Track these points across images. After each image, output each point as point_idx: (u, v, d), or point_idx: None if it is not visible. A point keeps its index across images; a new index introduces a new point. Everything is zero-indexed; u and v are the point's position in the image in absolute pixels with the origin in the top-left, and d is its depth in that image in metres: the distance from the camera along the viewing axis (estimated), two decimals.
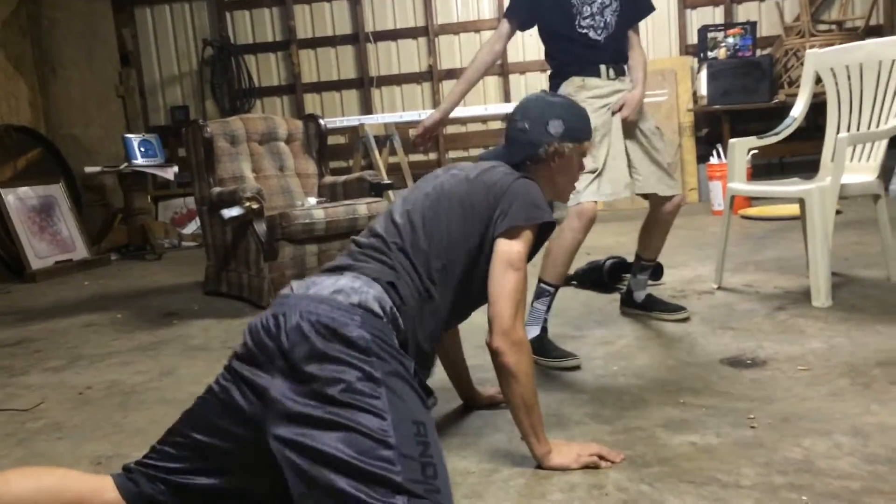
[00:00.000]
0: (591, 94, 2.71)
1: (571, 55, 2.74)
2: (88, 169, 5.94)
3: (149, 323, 3.64)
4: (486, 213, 1.71)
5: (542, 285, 2.65)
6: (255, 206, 3.68)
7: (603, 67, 2.73)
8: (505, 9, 2.85)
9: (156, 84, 7.27)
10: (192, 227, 6.63)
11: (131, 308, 4.02)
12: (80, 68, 6.47)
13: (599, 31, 2.72)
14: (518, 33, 2.85)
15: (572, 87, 2.72)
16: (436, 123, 2.72)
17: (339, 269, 1.62)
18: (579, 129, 1.94)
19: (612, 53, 2.76)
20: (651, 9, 2.90)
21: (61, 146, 6.02)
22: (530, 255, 1.76)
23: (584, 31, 2.71)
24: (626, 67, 2.81)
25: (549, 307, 2.66)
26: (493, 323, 1.65)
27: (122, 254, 6.08)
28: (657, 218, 2.87)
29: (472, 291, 1.74)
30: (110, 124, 6.76)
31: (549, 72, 2.87)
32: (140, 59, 7.23)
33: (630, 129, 2.75)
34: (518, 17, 2.78)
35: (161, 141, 6.13)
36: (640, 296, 3.04)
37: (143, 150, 5.85)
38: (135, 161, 5.82)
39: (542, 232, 1.78)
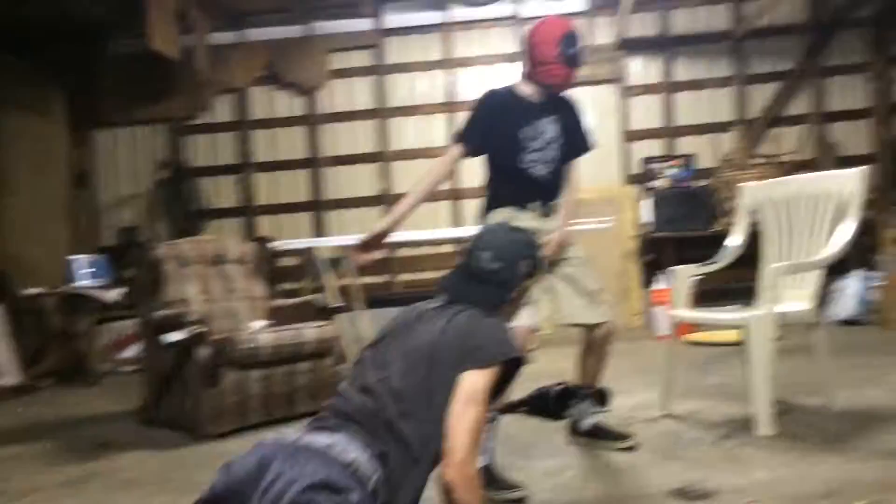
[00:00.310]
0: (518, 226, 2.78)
1: (510, 188, 2.83)
2: (28, 291, 5.80)
3: (79, 454, 3.47)
4: (460, 362, 1.72)
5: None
6: (198, 330, 3.62)
7: (532, 206, 2.82)
8: (455, 133, 2.92)
9: (107, 204, 7.26)
10: (134, 351, 6.45)
11: (62, 438, 3.84)
12: (31, 188, 6.45)
13: (542, 166, 2.83)
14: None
15: (500, 217, 2.77)
16: (382, 232, 2.68)
17: (330, 428, 1.61)
18: (540, 265, 2.02)
19: (549, 191, 2.87)
20: (592, 146, 3.05)
21: (4, 266, 5.90)
22: (499, 390, 1.76)
23: (528, 166, 2.81)
24: (555, 205, 2.91)
25: (494, 435, 2.62)
26: (449, 456, 1.61)
27: (58, 379, 5.85)
28: (590, 346, 2.90)
29: None
30: (57, 245, 6.67)
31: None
32: (93, 179, 7.24)
33: (553, 264, 2.81)
34: (469, 144, 2.85)
35: (108, 262, 6.05)
36: (587, 423, 3.02)
37: (87, 271, 5.76)
38: (78, 283, 5.71)
39: (510, 368, 1.78)
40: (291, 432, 1.62)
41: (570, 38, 2.81)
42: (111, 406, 4.66)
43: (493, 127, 2.82)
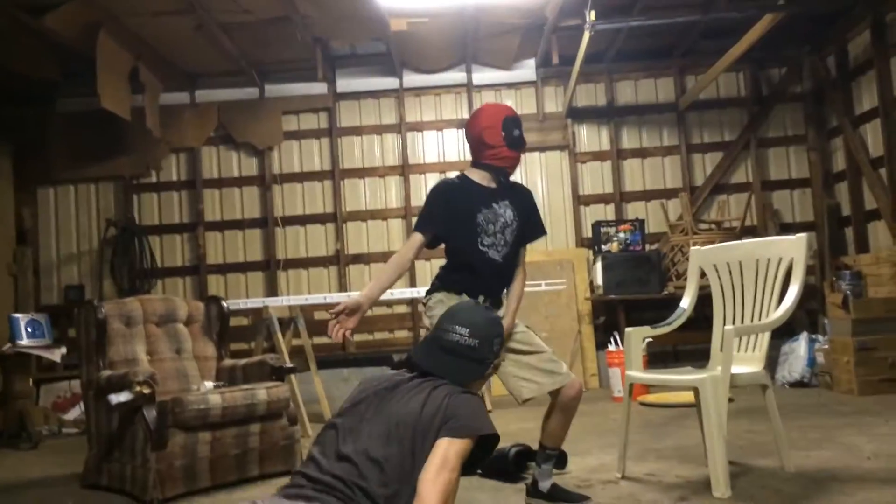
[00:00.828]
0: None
1: (463, 274, 2.89)
2: None
3: None
4: (437, 432, 1.75)
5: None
6: (145, 390, 3.50)
7: (481, 297, 2.86)
8: (415, 223, 2.96)
9: (52, 263, 7.07)
10: (76, 412, 6.21)
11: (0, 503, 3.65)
12: None
13: (499, 250, 2.90)
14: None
15: (446, 297, 2.85)
16: (355, 305, 2.64)
17: (307, 497, 1.62)
18: (505, 341, 2.09)
19: (500, 278, 2.95)
20: (543, 232, 3.15)
21: None
22: (469, 466, 1.78)
23: (485, 249, 2.88)
24: (502, 298, 2.97)
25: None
26: None
27: None
28: (560, 405, 2.90)
29: None
30: None
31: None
32: (38, 237, 7.06)
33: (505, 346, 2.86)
34: (430, 231, 2.89)
35: (51, 321, 5.86)
36: (545, 485, 2.99)
37: (29, 330, 5.57)
38: (19, 341, 5.51)
39: (484, 444, 1.81)
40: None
41: (511, 122, 2.91)
42: (53, 469, 4.45)
43: (450, 213, 2.88)
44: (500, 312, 2.91)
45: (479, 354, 1.97)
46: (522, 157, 3.06)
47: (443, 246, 2.99)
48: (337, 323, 2.61)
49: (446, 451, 1.69)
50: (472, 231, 2.86)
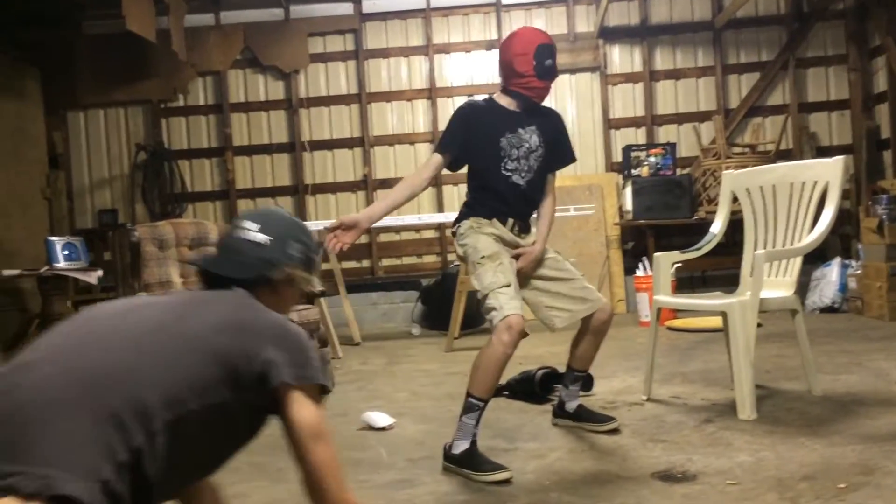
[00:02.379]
0: (493, 231, 2.80)
1: (489, 198, 2.84)
2: (6, 272, 5.71)
3: None
4: (240, 357, 1.41)
5: (471, 399, 2.63)
6: None
7: (511, 221, 2.84)
8: (437, 143, 2.92)
9: (84, 187, 7.16)
10: None
11: None
12: (5, 169, 6.33)
13: (523, 175, 2.84)
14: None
15: (476, 223, 2.81)
16: (354, 223, 2.66)
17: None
18: (313, 258, 1.74)
19: (527, 203, 2.89)
20: (573, 159, 3.07)
21: None
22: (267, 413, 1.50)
23: (509, 174, 2.82)
24: (531, 222, 2.94)
25: (478, 421, 2.63)
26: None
27: None
28: (591, 329, 2.90)
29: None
30: (34, 227, 6.57)
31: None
32: (70, 161, 7.13)
33: (535, 273, 2.85)
34: (450, 153, 2.85)
35: (86, 244, 5.97)
36: (571, 406, 3.04)
37: (66, 253, 5.68)
38: (56, 264, 5.63)
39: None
40: None
41: (544, 51, 2.81)
42: None
43: (474, 136, 2.82)
44: (530, 238, 2.90)
45: (267, 254, 1.62)
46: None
47: (465, 169, 2.95)
48: (334, 237, 2.63)
49: (310, 419, 1.44)
50: (496, 155, 2.81)
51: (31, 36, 6.75)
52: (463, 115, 2.88)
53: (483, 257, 2.73)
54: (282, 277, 1.65)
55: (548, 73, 2.83)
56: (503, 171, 2.82)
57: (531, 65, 2.79)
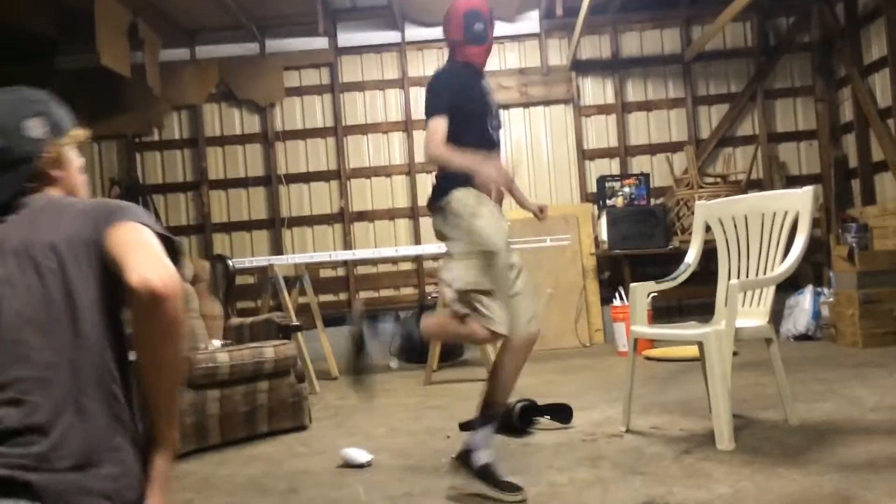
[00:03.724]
0: (492, 207, 2.78)
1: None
2: None
3: None
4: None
5: (494, 410, 2.70)
6: None
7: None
8: (433, 108, 2.79)
9: None
10: None
11: None
12: None
13: (497, 131, 2.90)
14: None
15: (472, 198, 2.73)
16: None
17: None
18: (62, 115, 1.55)
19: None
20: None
21: None
22: None
23: (493, 131, 2.86)
24: None
25: (491, 436, 2.71)
26: (148, 269, 1.25)
27: None
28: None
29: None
30: None
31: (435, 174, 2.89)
32: None
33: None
34: (446, 108, 2.74)
35: None
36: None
37: None
38: None
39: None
40: None
41: (472, 16, 2.84)
42: None
43: (464, 95, 2.81)
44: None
45: (11, 155, 1.40)
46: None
47: None
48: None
49: (135, 229, 1.32)
50: (483, 113, 2.83)
51: (2, 70, 6.70)
52: (450, 75, 2.87)
53: (493, 252, 2.68)
54: (45, 165, 1.43)
55: (478, 38, 2.85)
56: (489, 129, 2.84)
57: (462, 31, 2.83)
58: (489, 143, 2.82)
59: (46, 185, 1.44)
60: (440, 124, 2.73)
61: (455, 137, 2.73)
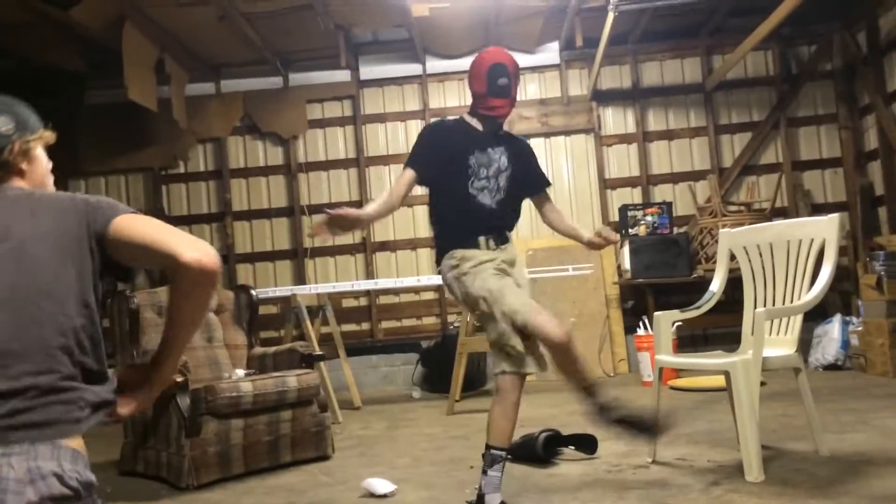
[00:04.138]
0: (474, 262, 2.75)
1: (457, 222, 2.81)
2: None
3: None
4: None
5: (494, 451, 2.63)
6: (178, 379, 3.55)
7: (482, 239, 2.79)
8: (406, 160, 2.89)
9: None
10: None
11: None
12: None
13: (493, 194, 2.82)
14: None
15: (454, 261, 2.78)
16: (349, 213, 2.67)
17: None
18: (28, 116, 1.63)
19: (497, 221, 2.84)
20: (547, 183, 3.07)
21: None
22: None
23: (475, 193, 2.80)
24: (508, 235, 2.90)
25: (502, 471, 2.65)
26: (194, 248, 1.43)
27: None
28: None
29: None
30: None
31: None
32: None
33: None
34: (418, 167, 2.82)
35: None
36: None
37: None
38: None
39: None
40: None
41: (495, 70, 2.83)
42: (90, 457, 4.52)
43: (442, 153, 2.84)
44: (508, 252, 2.84)
45: None
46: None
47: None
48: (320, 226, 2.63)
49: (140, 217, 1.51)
50: (463, 172, 2.80)
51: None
52: (433, 132, 2.93)
53: (490, 290, 2.70)
54: (12, 156, 1.53)
55: (501, 92, 2.83)
56: (469, 190, 2.80)
57: (485, 85, 2.82)
58: (469, 205, 2.80)
59: (14, 176, 1.54)
60: (404, 174, 2.83)
61: (436, 198, 2.89)
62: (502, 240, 2.86)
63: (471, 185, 2.80)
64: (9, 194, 1.49)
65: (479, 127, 2.90)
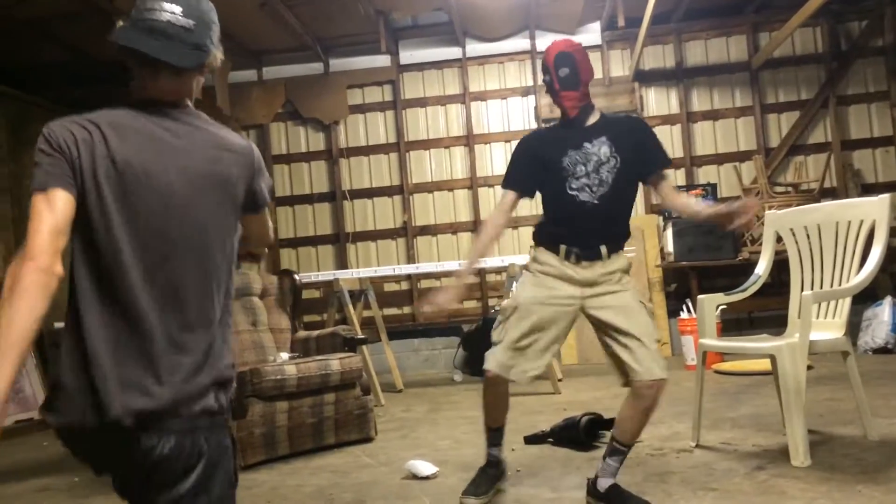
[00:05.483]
0: (541, 268, 2.78)
1: (552, 223, 2.81)
2: (58, 324, 5.85)
3: (109, 487, 3.45)
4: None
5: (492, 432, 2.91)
6: None
7: (563, 248, 2.71)
8: (503, 181, 2.91)
9: None
10: None
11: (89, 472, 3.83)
12: None
13: (594, 190, 2.68)
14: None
15: (532, 254, 2.88)
16: (448, 290, 2.94)
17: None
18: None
19: (604, 221, 2.73)
20: (665, 161, 2.86)
21: None
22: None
23: (575, 193, 2.69)
24: (604, 249, 2.71)
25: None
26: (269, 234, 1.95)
27: None
28: (631, 400, 2.78)
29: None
30: None
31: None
32: None
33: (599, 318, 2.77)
34: (516, 186, 2.84)
35: None
36: (604, 483, 2.68)
37: None
38: None
39: None
40: None
41: (559, 60, 2.73)
42: None
43: (535, 164, 2.79)
44: (596, 267, 2.71)
45: (197, 38, 1.55)
46: None
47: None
48: (429, 303, 2.89)
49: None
50: (559, 175, 2.71)
51: (78, 94, 7.00)
52: (520, 147, 2.89)
53: (506, 308, 2.84)
54: (207, 64, 1.60)
55: (566, 83, 2.72)
56: (569, 192, 2.70)
57: (556, 79, 2.73)
58: (570, 207, 2.72)
59: (190, 80, 1.61)
60: (504, 197, 2.87)
61: (543, 202, 2.88)
62: (592, 255, 2.71)
63: (569, 187, 2.71)
64: (195, 122, 1.66)
65: (571, 124, 2.78)
